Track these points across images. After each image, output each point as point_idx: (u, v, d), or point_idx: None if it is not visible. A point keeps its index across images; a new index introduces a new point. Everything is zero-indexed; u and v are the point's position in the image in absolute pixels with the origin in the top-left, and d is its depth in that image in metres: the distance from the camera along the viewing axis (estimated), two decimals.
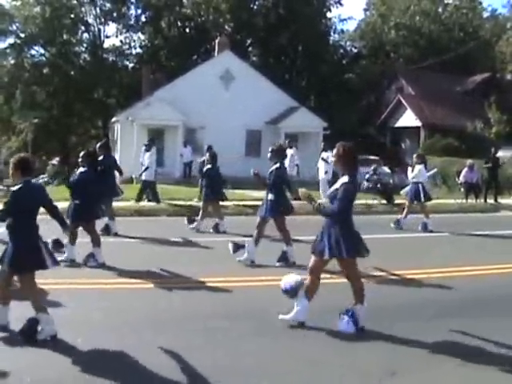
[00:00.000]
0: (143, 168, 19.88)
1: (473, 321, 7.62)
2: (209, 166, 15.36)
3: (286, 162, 20.60)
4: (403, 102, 41.16)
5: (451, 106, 40.39)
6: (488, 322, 7.58)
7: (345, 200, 7.07)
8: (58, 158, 53.96)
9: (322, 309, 7.40)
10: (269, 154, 11.48)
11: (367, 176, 25.09)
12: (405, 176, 25.62)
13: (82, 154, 11.46)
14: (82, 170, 11.14)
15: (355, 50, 60.23)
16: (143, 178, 19.86)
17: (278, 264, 10.84)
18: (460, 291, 9.17)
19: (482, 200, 24.07)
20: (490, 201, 23.85)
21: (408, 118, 40.66)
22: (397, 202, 22.46)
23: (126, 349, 6.37)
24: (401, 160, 37.18)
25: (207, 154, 16.06)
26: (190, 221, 15.26)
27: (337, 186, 7.26)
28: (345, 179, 7.19)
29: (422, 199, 16.31)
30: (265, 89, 36.44)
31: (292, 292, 7.31)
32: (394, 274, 10.21)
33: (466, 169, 24.70)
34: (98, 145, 14.82)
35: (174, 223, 16.43)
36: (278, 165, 11.30)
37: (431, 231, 15.83)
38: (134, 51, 58.20)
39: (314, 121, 36.46)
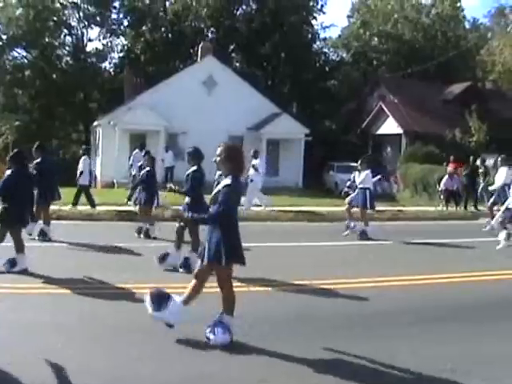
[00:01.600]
0: (78, 172, 19.84)
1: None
2: (147, 168, 14.91)
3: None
4: (385, 109, 41.31)
5: (432, 113, 40.60)
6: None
7: (225, 203, 6.68)
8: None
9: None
10: (186, 157, 11.59)
11: (348, 183, 25.15)
12: (386, 183, 25.82)
13: (10, 155, 10.94)
14: (8, 172, 10.48)
15: (338, 58, 60.50)
16: (80, 182, 19.78)
17: (181, 270, 10.51)
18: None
19: (463, 208, 24.25)
20: (471, 208, 24.02)
21: (390, 126, 40.81)
22: (378, 208, 22.56)
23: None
24: (383, 167, 37.38)
25: (145, 158, 15.68)
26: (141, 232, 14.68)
27: (219, 187, 6.91)
28: (227, 181, 6.81)
29: (368, 206, 15.94)
30: (247, 95, 36.47)
31: (155, 305, 6.91)
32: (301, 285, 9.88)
33: (446, 176, 24.85)
34: (34, 146, 14.35)
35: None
36: (195, 167, 11.21)
37: (369, 239, 15.39)
38: (116, 55, 58.20)
39: (296, 127, 36.53)
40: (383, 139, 42.25)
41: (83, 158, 19.93)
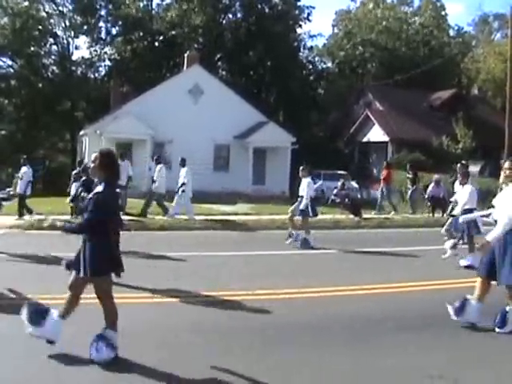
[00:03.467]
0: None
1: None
2: (84, 178, 14.31)
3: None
4: (371, 117, 41.48)
5: (418, 121, 40.83)
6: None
7: (94, 212, 6.42)
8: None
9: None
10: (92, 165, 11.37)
11: (335, 190, 25.24)
12: (373, 190, 25.92)
13: None
14: None
15: (324, 66, 60.74)
16: (17, 191, 19.75)
17: None
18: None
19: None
20: None
21: (376, 133, 40.99)
22: (365, 216, 22.69)
23: None
24: (369, 175, 37.53)
25: (79, 167, 15.46)
26: None
27: (90, 195, 6.66)
28: (99, 188, 6.55)
29: (310, 214, 15.79)
30: (233, 103, 36.50)
31: (32, 320, 6.53)
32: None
33: (432, 184, 24.91)
34: None
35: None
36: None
37: (311, 247, 15.20)
38: (102, 64, 58.05)
39: (282, 135, 36.56)
40: (370, 147, 42.41)
41: (25, 168, 20.57)
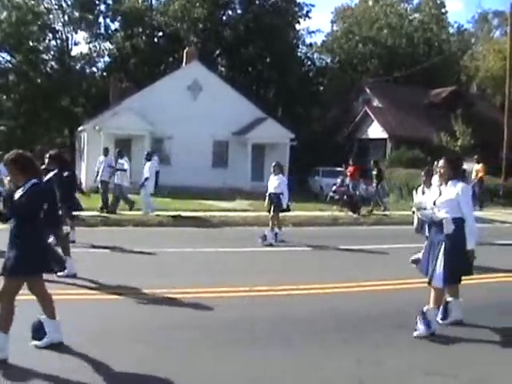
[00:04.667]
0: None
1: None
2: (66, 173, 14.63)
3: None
4: (370, 113, 41.45)
5: (417, 118, 40.80)
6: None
7: (19, 210, 6.29)
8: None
9: None
10: (46, 160, 11.40)
11: (334, 187, 25.22)
12: (371, 187, 25.86)
13: None
14: None
15: (323, 62, 60.64)
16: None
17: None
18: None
19: None
20: None
21: (375, 130, 40.98)
22: (363, 213, 22.71)
23: None
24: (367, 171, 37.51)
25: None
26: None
27: (15, 195, 6.40)
28: (25, 187, 6.35)
29: (280, 208, 15.86)
30: (232, 99, 36.51)
31: None
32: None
33: None
34: None
35: None
36: (55, 171, 11.16)
37: (283, 241, 15.54)
38: (102, 60, 57.94)
39: (281, 132, 36.57)
40: (369, 144, 42.38)
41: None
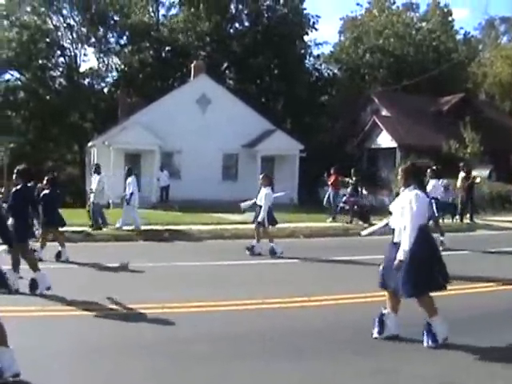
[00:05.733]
0: None
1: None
2: (46, 191, 14.29)
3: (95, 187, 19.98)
4: (378, 123, 41.40)
5: (426, 126, 40.74)
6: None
7: None
8: (32, 184, 53.54)
9: None
10: (14, 176, 11.28)
11: (344, 198, 25.13)
12: (383, 197, 25.75)
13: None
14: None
15: (331, 73, 60.72)
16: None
17: (33, 291, 10.23)
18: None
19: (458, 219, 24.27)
20: (466, 220, 24.03)
21: (384, 139, 40.91)
22: (374, 222, 22.62)
23: None
24: (377, 181, 37.44)
25: (45, 178, 14.76)
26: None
27: None
28: None
29: (266, 224, 15.45)
30: (241, 112, 36.56)
31: None
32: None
33: (441, 189, 24.81)
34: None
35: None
36: (19, 186, 10.97)
37: (279, 256, 15.16)
38: (110, 75, 58.32)
39: (290, 143, 36.57)
40: (378, 153, 42.33)
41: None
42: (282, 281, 12.10)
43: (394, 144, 39.68)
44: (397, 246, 7.33)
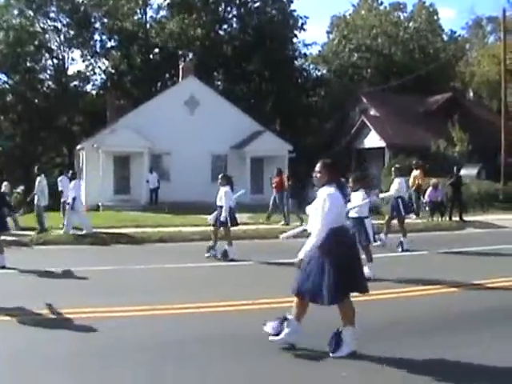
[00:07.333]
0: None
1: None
2: None
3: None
4: (367, 123, 41.52)
5: (414, 126, 40.90)
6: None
7: None
8: (22, 187, 53.39)
9: None
10: None
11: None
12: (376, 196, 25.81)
13: None
14: None
15: (319, 73, 60.86)
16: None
17: None
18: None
19: (447, 218, 24.38)
20: (455, 218, 24.13)
21: (372, 139, 41.03)
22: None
23: None
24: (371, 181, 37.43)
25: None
26: None
27: None
28: None
29: (229, 224, 14.92)
30: (230, 113, 36.54)
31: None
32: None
33: (430, 188, 24.94)
34: None
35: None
36: None
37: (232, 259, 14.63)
38: (98, 77, 58.19)
39: (279, 144, 36.59)
40: (367, 153, 42.44)
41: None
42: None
43: (382, 144, 39.80)
44: (322, 249, 6.75)
